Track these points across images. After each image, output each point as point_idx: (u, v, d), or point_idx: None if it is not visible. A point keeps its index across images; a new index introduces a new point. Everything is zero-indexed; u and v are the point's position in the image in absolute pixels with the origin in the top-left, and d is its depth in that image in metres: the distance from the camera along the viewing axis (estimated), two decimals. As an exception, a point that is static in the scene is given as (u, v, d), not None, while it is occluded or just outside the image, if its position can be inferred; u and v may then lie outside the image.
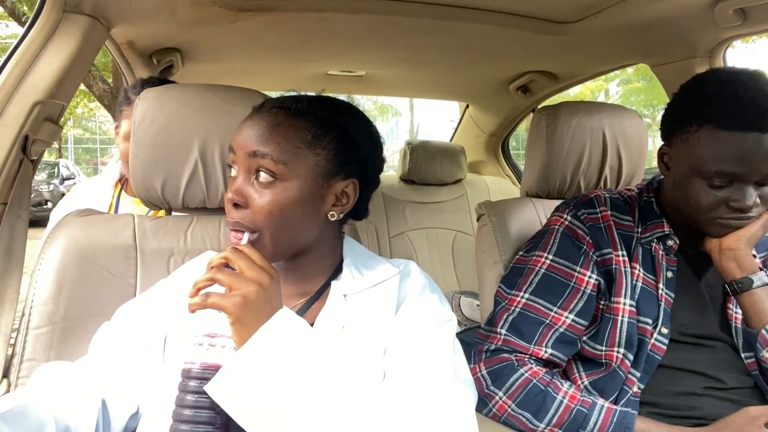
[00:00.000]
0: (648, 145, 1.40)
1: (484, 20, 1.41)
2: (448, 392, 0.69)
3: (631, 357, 0.98)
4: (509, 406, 0.94)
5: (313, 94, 0.83)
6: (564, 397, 0.92)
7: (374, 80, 2.27)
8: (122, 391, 0.74)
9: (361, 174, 0.80)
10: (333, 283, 0.79)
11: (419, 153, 2.42)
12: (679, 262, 1.02)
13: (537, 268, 1.04)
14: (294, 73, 2.11)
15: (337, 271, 0.82)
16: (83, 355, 0.79)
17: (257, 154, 0.72)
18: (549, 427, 0.92)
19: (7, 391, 0.93)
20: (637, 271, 1.01)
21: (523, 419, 0.93)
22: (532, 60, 1.90)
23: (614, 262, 1.01)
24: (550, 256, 1.04)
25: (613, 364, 0.98)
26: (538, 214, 1.31)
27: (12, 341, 0.97)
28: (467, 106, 2.80)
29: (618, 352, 0.98)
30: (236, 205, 0.73)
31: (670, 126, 0.99)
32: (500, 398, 0.95)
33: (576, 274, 1.01)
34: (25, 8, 6.76)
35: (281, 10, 1.33)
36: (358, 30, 1.53)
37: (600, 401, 0.93)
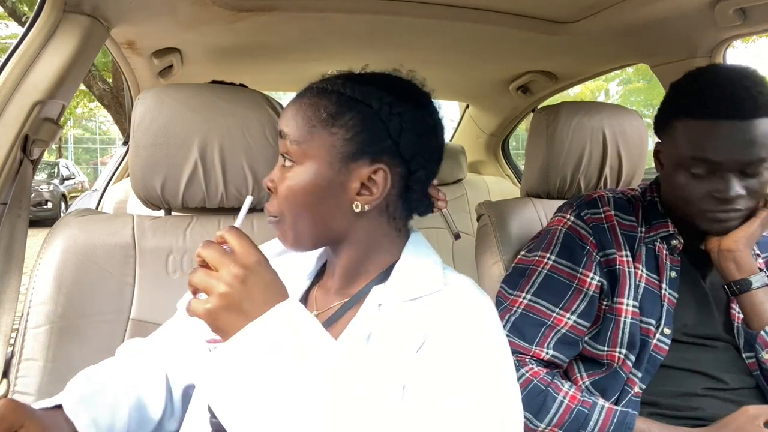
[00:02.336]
0: (648, 145, 1.40)
1: (484, 20, 1.40)
2: None
3: (633, 358, 0.97)
4: None
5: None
6: (564, 398, 0.92)
7: (374, 80, 2.27)
8: (179, 372, 0.78)
9: (398, 159, 0.69)
10: (375, 287, 0.70)
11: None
12: (683, 262, 1.02)
13: (539, 269, 1.03)
14: (294, 73, 2.11)
15: (387, 273, 0.72)
16: (82, 354, 0.81)
17: (282, 135, 0.70)
18: (549, 427, 0.91)
19: (7, 391, 0.92)
20: (640, 272, 1.01)
21: (524, 420, 0.92)
22: (532, 60, 1.90)
23: (618, 263, 1.01)
24: (553, 257, 1.03)
25: (615, 364, 0.98)
26: (538, 214, 1.31)
27: (12, 341, 0.97)
28: (467, 106, 2.80)
29: (620, 352, 0.98)
30: (270, 191, 0.71)
31: (657, 124, 1.02)
32: None
33: (578, 275, 1.01)
34: (25, 8, 6.77)
35: (281, 10, 1.33)
36: (358, 30, 1.53)
37: (600, 401, 0.92)
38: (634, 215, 1.06)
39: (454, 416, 0.59)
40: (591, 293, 1.00)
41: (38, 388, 0.93)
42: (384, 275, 0.72)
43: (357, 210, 0.68)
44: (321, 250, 0.80)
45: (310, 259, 0.81)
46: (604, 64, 1.85)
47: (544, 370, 0.96)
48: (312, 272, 0.80)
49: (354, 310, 0.71)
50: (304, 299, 0.78)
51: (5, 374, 0.94)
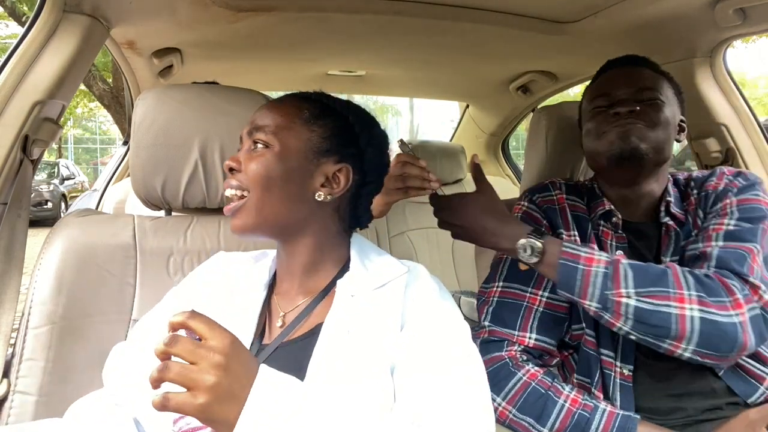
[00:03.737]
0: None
1: (484, 20, 1.41)
2: (467, 407, 0.67)
3: (592, 333, 0.98)
4: (510, 412, 0.92)
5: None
6: (566, 401, 0.91)
7: (374, 80, 2.27)
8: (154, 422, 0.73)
9: (359, 165, 0.80)
10: (339, 282, 0.77)
11: (419, 153, 2.41)
12: (628, 239, 1.03)
13: (505, 256, 1.05)
14: (294, 73, 2.11)
15: (344, 269, 0.80)
16: (83, 354, 0.80)
17: (257, 128, 0.77)
18: None
19: (7, 391, 0.93)
20: None
21: (526, 424, 0.91)
22: (532, 60, 1.90)
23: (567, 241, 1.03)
24: None
25: (581, 344, 0.99)
26: (538, 214, 1.31)
27: (12, 341, 0.97)
28: (467, 106, 2.80)
29: (583, 330, 0.99)
30: (231, 170, 0.77)
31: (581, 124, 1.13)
32: (499, 404, 0.93)
33: None
34: (25, 8, 6.77)
35: (281, 10, 1.33)
36: (358, 30, 1.53)
37: (602, 405, 0.91)
38: (581, 199, 1.10)
39: (449, 377, 0.68)
40: None
41: (39, 388, 0.93)
42: (342, 271, 0.80)
43: (319, 199, 0.77)
44: (272, 260, 0.85)
45: (261, 269, 0.85)
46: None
47: (542, 371, 0.95)
48: (266, 282, 0.83)
49: (324, 304, 0.76)
50: (266, 306, 0.81)
51: (6, 374, 0.94)
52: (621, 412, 0.90)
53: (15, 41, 1.01)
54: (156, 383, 0.52)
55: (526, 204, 1.10)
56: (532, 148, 1.37)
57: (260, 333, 0.78)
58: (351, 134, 0.80)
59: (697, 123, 1.48)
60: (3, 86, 0.96)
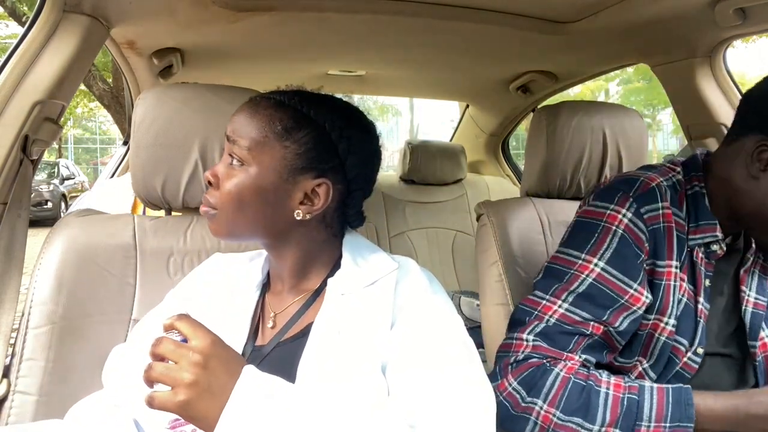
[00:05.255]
0: (648, 145, 1.40)
1: (484, 20, 1.40)
2: (465, 408, 0.65)
3: (653, 375, 0.90)
4: (554, 416, 0.81)
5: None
6: (609, 389, 0.81)
7: (374, 80, 2.27)
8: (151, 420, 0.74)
9: (341, 177, 0.76)
10: (329, 280, 0.76)
11: (419, 153, 2.42)
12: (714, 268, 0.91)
13: (583, 276, 0.88)
14: (294, 73, 2.11)
15: (335, 268, 0.79)
16: (83, 354, 0.80)
17: (230, 140, 0.75)
18: (604, 428, 0.79)
19: (7, 391, 0.93)
20: (685, 285, 0.90)
21: (574, 426, 0.80)
22: (532, 60, 1.90)
23: (665, 276, 0.89)
24: (601, 264, 0.88)
25: (632, 374, 0.90)
26: (538, 213, 1.31)
27: (12, 341, 0.97)
28: (467, 106, 2.80)
29: (642, 364, 0.90)
30: (210, 184, 0.76)
31: None
32: (541, 408, 0.82)
33: (631, 291, 0.87)
34: (25, 8, 6.77)
35: (281, 10, 1.33)
36: (358, 30, 1.53)
37: (647, 383, 0.81)
38: (680, 207, 0.91)
39: (442, 373, 0.67)
40: (641, 312, 0.87)
41: (39, 388, 0.93)
42: (334, 270, 0.78)
43: (299, 218, 0.75)
44: (264, 260, 0.85)
45: (256, 269, 0.85)
46: (604, 64, 1.85)
47: (579, 364, 0.85)
48: (260, 282, 0.83)
49: (316, 305, 0.76)
50: (260, 306, 0.82)
51: (6, 374, 0.94)
52: (670, 385, 0.80)
53: (15, 41, 1.01)
54: (146, 382, 0.56)
55: (629, 216, 0.88)
56: (532, 148, 1.36)
57: (254, 334, 0.79)
58: (329, 144, 0.74)
59: (697, 123, 1.48)
60: (3, 86, 0.96)
